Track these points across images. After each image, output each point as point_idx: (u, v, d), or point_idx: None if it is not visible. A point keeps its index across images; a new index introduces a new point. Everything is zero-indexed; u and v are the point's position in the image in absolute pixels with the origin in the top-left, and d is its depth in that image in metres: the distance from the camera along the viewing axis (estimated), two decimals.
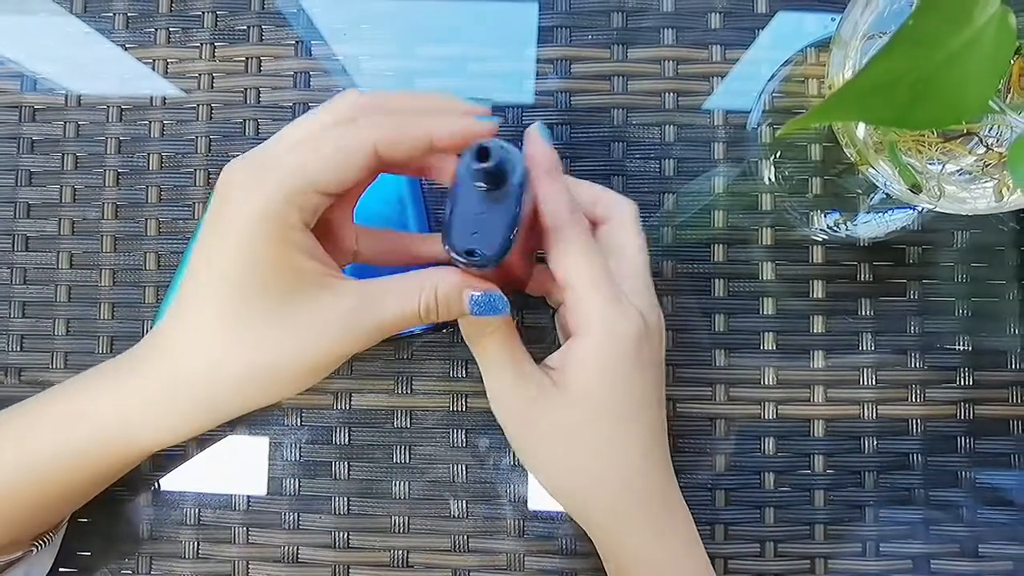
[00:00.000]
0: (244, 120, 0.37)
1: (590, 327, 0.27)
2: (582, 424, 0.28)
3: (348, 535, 0.35)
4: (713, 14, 0.37)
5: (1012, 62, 0.28)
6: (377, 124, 0.24)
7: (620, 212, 0.30)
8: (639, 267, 0.29)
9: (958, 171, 0.31)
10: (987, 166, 0.30)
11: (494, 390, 0.29)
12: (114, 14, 0.38)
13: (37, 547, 0.31)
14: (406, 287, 0.25)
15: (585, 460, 0.28)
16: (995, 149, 0.29)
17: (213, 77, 0.37)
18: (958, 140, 0.30)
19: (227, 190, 0.24)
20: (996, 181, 0.30)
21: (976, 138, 0.29)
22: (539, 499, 0.35)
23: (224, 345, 0.24)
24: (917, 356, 0.36)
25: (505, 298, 0.26)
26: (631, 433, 0.28)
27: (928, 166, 0.31)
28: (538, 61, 0.37)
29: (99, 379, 0.28)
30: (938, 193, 0.30)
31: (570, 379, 0.28)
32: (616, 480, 0.29)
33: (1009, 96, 0.29)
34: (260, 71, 0.37)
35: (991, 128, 0.30)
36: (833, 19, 0.37)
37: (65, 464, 0.27)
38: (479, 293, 0.25)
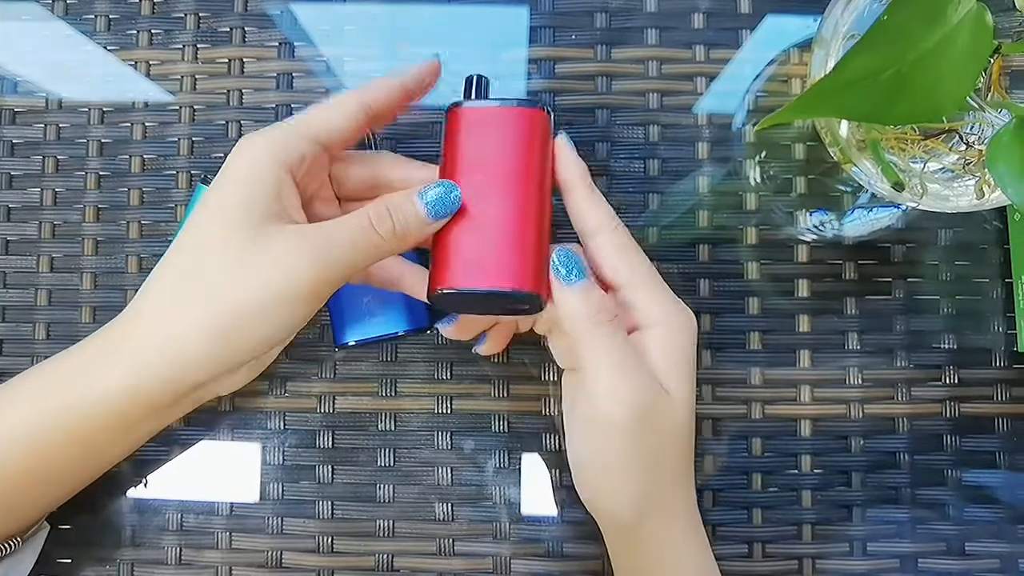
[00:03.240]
0: (227, 122, 0.37)
1: (659, 318, 0.28)
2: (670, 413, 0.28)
3: (332, 539, 0.35)
4: (697, 14, 0.37)
5: (992, 60, 0.28)
6: (363, 87, 0.28)
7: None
8: (659, 293, 0.30)
9: (940, 169, 0.31)
10: (968, 164, 0.30)
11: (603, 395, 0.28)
12: (96, 16, 0.37)
13: (14, 545, 0.30)
14: (359, 211, 0.26)
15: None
16: (976, 147, 0.29)
17: (196, 79, 0.37)
18: (940, 138, 0.30)
19: (238, 145, 0.26)
20: (977, 179, 0.30)
21: (957, 136, 0.30)
22: (525, 502, 0.35)
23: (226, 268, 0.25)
24: (902, 355, 0.36)
25: (457, 188, 0.26)
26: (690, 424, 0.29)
27: (911, 164, 0.31)
28: (522, 62, 0.37)
29: (93, 346, 0.27)
30: (921, 191, 0.30)
31: (655, 367, 0.28)
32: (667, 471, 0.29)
33: (990, 94, 0.29)
34: (243, 73, 0.37)
35: (972, 126, 0.30)
36: (815, 20, 0.37)
37: (82, 415, 0.26)
38: (431, 190, 0.26)
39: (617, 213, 0.35)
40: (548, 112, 0.28)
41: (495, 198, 0.26)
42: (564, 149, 0.29)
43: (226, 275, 0.25)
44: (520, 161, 0.27)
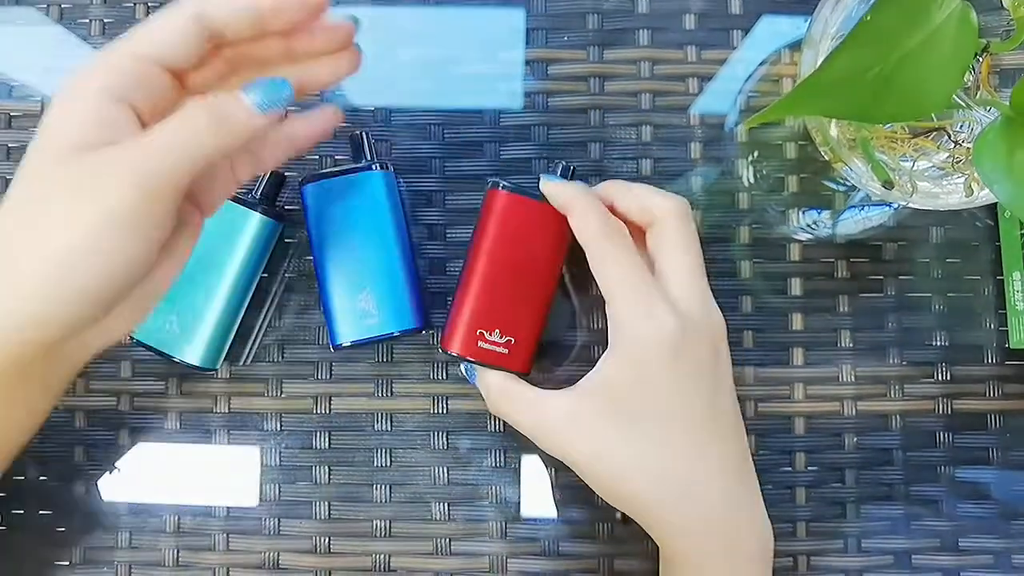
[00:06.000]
0: None
1: (615, 335, 0.29)
2: (589, 415, 0.29)
3: (329, 540, 0.35)
4: (688, 15, 0.37)
5: (980, 59, 0.29)
6: None
7: (662, 212, 0.30)
8: (684, 266, 0.29)
9: (930, 167, 0.31)
10: (958, 162, 0.30)
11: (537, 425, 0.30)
12: (90, 20, 0.38)
13: None
14: (178, 112, 0.24)
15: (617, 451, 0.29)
16: (965, 145, 0.30)
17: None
18: (929, 136, 0.30)
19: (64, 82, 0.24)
20: (966, 176, 0.30)
21: (946, 134, 0.30)
22: (522, 501, 0.35)
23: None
24: (895, 352, 0.36)
25: (286, 80, 0.25)
26: (666, 431, 0.29)
27: (900, 162, 0.31)
28: (516, 63, 0.37)
29: None
30: (911, 189, 0.30)
31: (592, 381, 0.29)
32: (648, 479, 0.29)
33: (979, 92, 0.29)
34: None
35: (961, 124, 0.30)
36: (806, 20, 0.37)
37: None
38: (259, 83, 0.24)
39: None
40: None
41: (516, 281, 0.32)
42: (544, 185, 0.31)
43: (50, 216, 0.23)
44: (545, 252, 0.32)
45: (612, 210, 0.31)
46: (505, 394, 0.31)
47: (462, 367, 0.34)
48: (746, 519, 0.30)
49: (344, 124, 0.37)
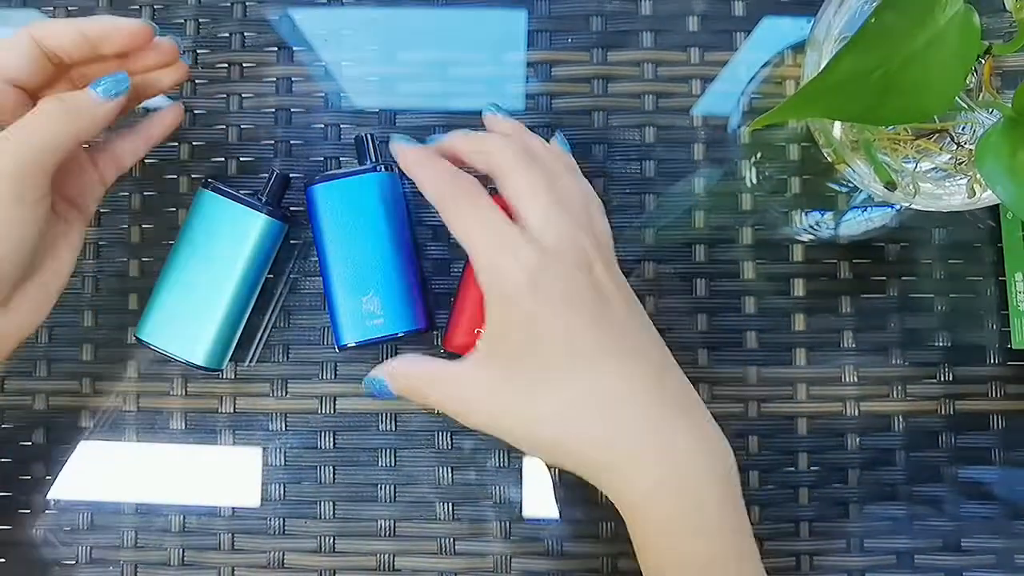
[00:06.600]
0: (227, 126, 0.37)
1: (483, 286, 0.28)
2: (500, 380, 0.28)
3: (334, 540, 0.35)
4: (691, 17, 0.37)
5: (983, 61, 0.29)
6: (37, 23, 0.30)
7: (494, 148, 0.29)
8: (528, 196, 0.28)
9: (932, 169, 0.32)
10: (960, 163, 0.30)
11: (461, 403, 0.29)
12: None
13: None
14: (39, 104, 0.28)
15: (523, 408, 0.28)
16: (967, 146, 0.30)
17: (196, 83, 0.37)
18: (931, 138, 0.30)
19: None
20: (969, 178, 0.30)
21: (948, 136, 0.30)
22: (525, 501, 0.36)
23: None
24: (898, 353, 0.36)
25: (125, 73, 0.30)
26: (557, 363, 0.27)
27: (903, 164, 0.31)
28: (520, 65, 0.37)
29: None
30: (913, 190, 0.31)
31: (480, 341, 0.28)
32: (554, 420, 0.27)
33: (981, 94, 0.29)
34: (243, 77, 0.37)
35: (963, 126, 0.30)
36: (809, 22, 0.38)
37: None
38: (105, 78, 0.29)
39: (614, 214, 0.36)
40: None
41: None
42: (394, 147, 0.30)
43: None
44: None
45: (460, 163, 0.30)
46: (408, 376, 0.30)
47: (368, 385, 0.31)
48: (683, 439, 0.27)
49: (348, 126, 0.37)
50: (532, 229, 0.28)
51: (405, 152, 0.30)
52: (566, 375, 0.27)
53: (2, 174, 0.27)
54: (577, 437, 0.27)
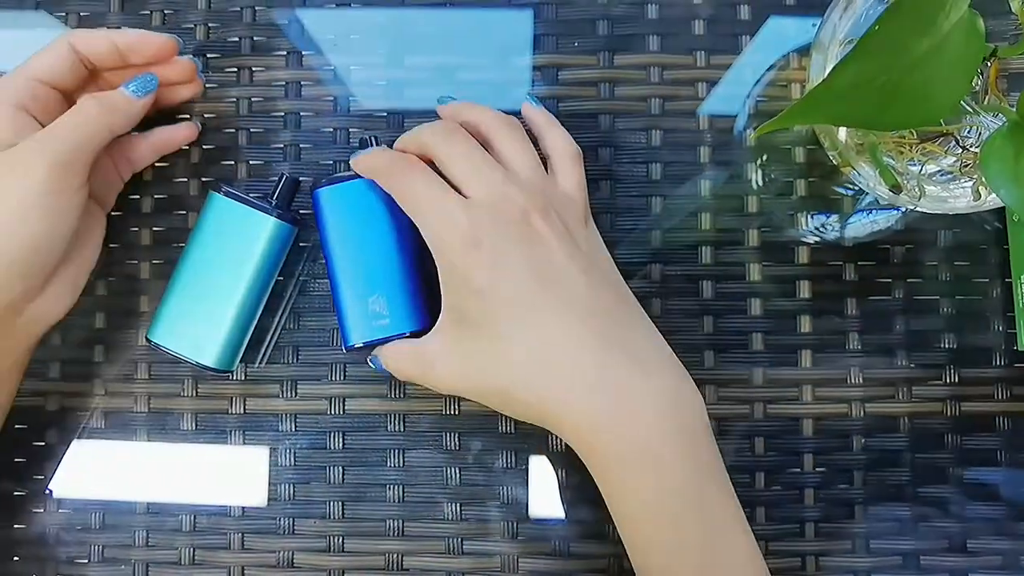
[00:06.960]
0: (236, 130, 0.38)
1: (433, 255, 0.30)
2: (456, 343, 0.30)
3: (343, 539, 0.36)
4: (697, 21, 0.38)
5: (989, 64, 0.29)
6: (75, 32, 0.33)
7: (423, 134, 0.31)
8: (450, 159, 0.30)
9: (938, 171, 0.32)
10: (965, 166, 0.30)
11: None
12: (107, 27, 0.38)
13: None
14: (78, 102, 0.31)
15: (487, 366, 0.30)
16: (972, 149, 0.30)
17: (206, 88, 0.38)
18: (937, 141, 0.30)
19: None
20: (974, 181, 0.30)
21: (953, 139, 0.30)
22: (532, 501, 0.36)
23: None
24: (903, 355, 0.36)
25: (154, 75, 0.33)
26: (507, 317, 0.28)
27: (908, 167, 0.31)
28: (526, 69, 0.38)
29: None
30: (919, 193, 0.31)
31: (440, 317, 0.31)
32: (504, 378, 0.29)
33: (987, 97, 0.30)
34: (252, 81, 0.38)
35: (968, 129, 0.30)
36: (814, 24, 0.38)
37: None
38: (132, 84, 0.32)
39: (621, 216, 0.36)
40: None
41: None
42: (355, 161, 0.33)
43: None
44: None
45: (423, 158, 0.31)
46: (393, 356, 0.32)
47: (370, 362, 0.34)
48: (640, 388, 0.28)
49: (357, 129, 0.37)
50: (464, 192, 0.30)
51: (355, 160, 0.32)
52: (510, 329, 0.29)
53: (50, 165, 0.29)
54: (525, 389, 0.29)
